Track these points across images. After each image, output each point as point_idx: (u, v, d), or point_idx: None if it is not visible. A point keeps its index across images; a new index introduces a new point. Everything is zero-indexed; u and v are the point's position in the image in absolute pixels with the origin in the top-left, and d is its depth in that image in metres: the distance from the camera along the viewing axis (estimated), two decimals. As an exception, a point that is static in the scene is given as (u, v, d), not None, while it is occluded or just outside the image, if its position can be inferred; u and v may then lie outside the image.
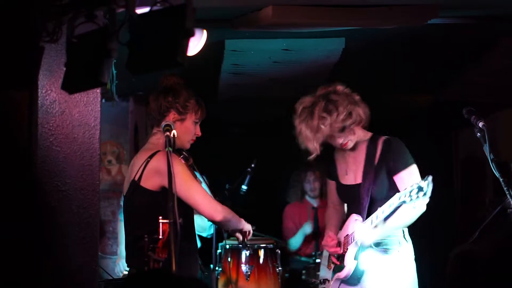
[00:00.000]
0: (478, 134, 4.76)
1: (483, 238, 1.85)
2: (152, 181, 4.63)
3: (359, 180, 4.84)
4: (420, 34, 6.37)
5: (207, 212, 4.67)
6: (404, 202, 4.38)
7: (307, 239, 8.37)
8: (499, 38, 6.68)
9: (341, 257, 4.90)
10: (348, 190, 4.94)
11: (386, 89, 8.34)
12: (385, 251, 4.76)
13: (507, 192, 4.70)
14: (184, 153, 5.01)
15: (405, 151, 4.80)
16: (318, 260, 7.66)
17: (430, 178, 4.32)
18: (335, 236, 4.93)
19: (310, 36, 6.39)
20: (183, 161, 4.96)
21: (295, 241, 8.37)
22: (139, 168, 4.68)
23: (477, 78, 7.81)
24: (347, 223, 4.87)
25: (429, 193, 4.28)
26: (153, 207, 4.59)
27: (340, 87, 4.85)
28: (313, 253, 7.92)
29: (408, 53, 7.09)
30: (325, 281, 5.03)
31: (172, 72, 4.92)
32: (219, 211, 4.70)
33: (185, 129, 4.81)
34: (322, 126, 4.73)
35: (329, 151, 5.07)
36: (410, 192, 4.33)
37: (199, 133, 4.93)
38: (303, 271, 7.94)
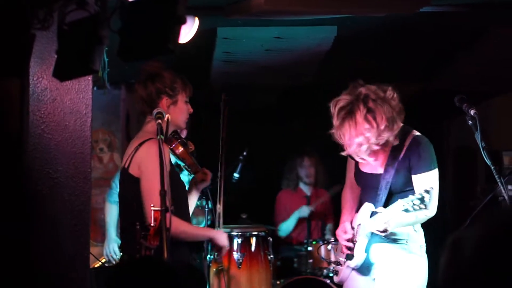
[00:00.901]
0: (470, 122, 4.76)
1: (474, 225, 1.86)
2: (137, 169, 4.66)
3: (380, 170, 4.79)
4: (412, 22, 6.37)
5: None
6: (406, 210, 4.38)
7: (299, 225, 8.38)
8: (491, 26, 6.69)
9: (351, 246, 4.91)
10: (366, 177, 4.89)
11: (377, 77, 8.32)
12: (395, 241, 4.76)
13: (498, 180, 4.71)
14: (183, 139, 5.04)
15: (431, 153, 4.74)
16: (310, 248, 7.68)
17: (432, 191, 4.33)
18: (350, 229, 4.90)
19: (302, 24, 6.38)
20: (181, 147, 4.98)
21: (287, 226, 8.37)
22: (129, 156, 4.72)
23: (469, 67, 7.82)
24: (360, 211, 4.83)
25: (429, 206, 4.30)
26: (138, 195, 4.62)
27: (378, 90, 4.70)
28: (305, 241, 7.93)
29: (399, 42, 7.09)
30: (338, 263, 5.03)
31: (158, 59, 4.96)
32: (184, 230, 4.72)
33: (179, 110, 4.87)
34: (361, 140, 4.58)
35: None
36: (413, 201, 4.34)
37: (191, 110, 4.99)
38: (295, 259, 7.95)
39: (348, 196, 5.12)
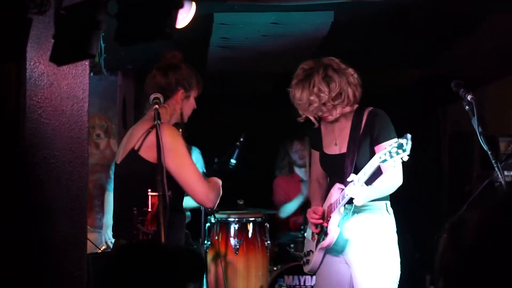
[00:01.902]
0: (467, 107, 4.75)
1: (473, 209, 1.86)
2: (152, 153, 4.57)
3: (343, 150, 4.85)
4: (410, 8, 6.36)
5: (199, 198, 4.67)
6: (385, 160, 4.38)
7: (296, 211, 8.39)
8: (489, 12, 6.68)
9: (321, 226, 4.91)
10: (332, 159, 4.95)
11: (374, 63, 8.33)
12: (367, 222, 4.77)
13: (495, 165, 4.70)
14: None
15: (389, 124, 4.83)
16: (306, 234, 7.69)
17: (409, 135, 4.34)
18: (320, 208, 4.93)
19: (299, 9, 6.37)
20: (183, 135, 5.00)
21: (289, 208, 8.37)
22: (140, 138, 4.65)
23: (467, 53, 7.81)
24: (330, 192, 4.87)
25: (408, 150, 4.29)
26: (149, 179, 4.56)
27: (340, 63, 4.87)
28: (302, 227, 7.94)
29: (397, 27, 7.08)
30: (309, 252, 5.04)
31: (173, 49, 4.98)
32: (211, 200, 4.73)
33: (189, 105, 4.90)
34: (313, 98, 4.75)
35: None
36: (390, 150, 4.35)
37: (195, 106, 5.00)
38: (291, 245, 7.97)
39: (316, 188, 5.17)
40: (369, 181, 4.60)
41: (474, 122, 4.70)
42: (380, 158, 4.41)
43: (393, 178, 4.73)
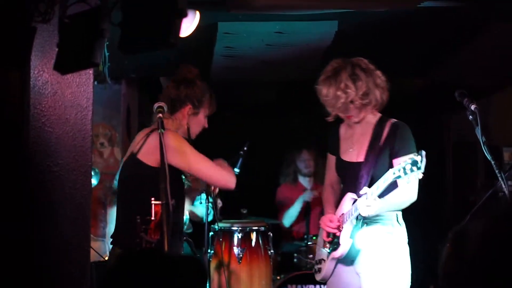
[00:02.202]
0: (470, 117, 4.75)
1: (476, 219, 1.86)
2: (153, 156, 4.63)
3: (361, 158, 4.83)
4: (413, 17, 6.36)
5: (221, 184, 4.90)
6: (399, 177, 4.39)
7: (299, 220, 8.38)
8: (492, 20, 6.68)
9: (332, 235, 4.90)
10: (348, 167, 4.92)
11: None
12: (378, 233, 4.76)
13: (498, 175, 4.70)
14: None
15: (410, 138, 4.81)
16: (310, 243, 7.68)
17: (423, 153, 4.33)
18: (333, 216, 4.92)
19: (303, 19, 6.38)
20: None
21: (291, 213, 8.36)
22: (138, 142, 4.73)
23: (470, 61, 7.81)
24: (342, 201, 4.86)
25: (423, 168, 4.29)
26: (149, 183, 4.61)
27: (369, 64, 4.91)
28: (305, 236, 7.93)
29: (400, 36, 7.08)
30: (321, 261, 5.03)
31: (190, 64, 5.04)
32: (231, 181, 4.93)
33: (197, 122, 4.93)
34: (340, 93, 4.76)
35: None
36: (404, 167, 4.34)
37: (206, 125, 5.04)
38: (295, 254, 7.96)
39: (329, 194, 5.15)
40: (382, 194, 4.60)
41: (478, 131, 4.70)
42: (394, 174, 4.41)
43: (407, 194, 4.72)
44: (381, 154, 4.77)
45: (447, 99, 5.32)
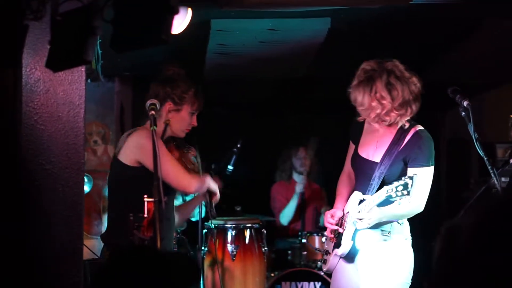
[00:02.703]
0: (463, 113, 4.76)
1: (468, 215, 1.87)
2: (130, 156, 4.75)
3: (377, 158, 4.78)
4: (407, 14, 6.36)
5: (182, 185, 4.75)
6: (390, 196, 4.38)
7: (294, 217, 8.39)
8: (486, 18, 6.68)
9: (337, 233, 4.92)
10: (362, 163, 4.87)
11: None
12: (378, 232, 4.76)
13: (491, 172, 4.72)
14: (182, 144, 5.08)
15: (431, 150, 4.74)
16: (304, 241, 7.69)
17: (415, 177, 4.32)
18: (338, 213, 4.92)
19: (296, 16, 6.37)
20: (175, 152, 5.01)
21: (288, 212, 8.37)
22: (121, 143, 4.80)
23: (464, 59, 7.82)
24: (350, 199, 4.86)
25: (412, 193, 4.29)
26: (128, 183, 4.71)
27: (404, 71, 4.78)
28: (299, 233, 7.94)
29: (394, 34, 7.08)
30: (327, 252, 5.04)
31: (173, 62, 5.08)
32: (193, 184, 4.81)
33: (180, 119, 4.92)
34: (376, 104, 4.66)
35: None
36: (397, 187, 4.34)
37: (195, 123, 5.06)
38: (289, 252, 7.97)
39: (344, 184, 5.10)
40: (384, 203, 4.57)
41: (470, 128, 4.71)
42: (387, 192, 4.40)
43: (412, 207, 4.65)
44: (397, 159, 4.71)
45: (441, 97, 5.32)
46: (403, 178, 4.34)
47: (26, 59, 4.42)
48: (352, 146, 5.05)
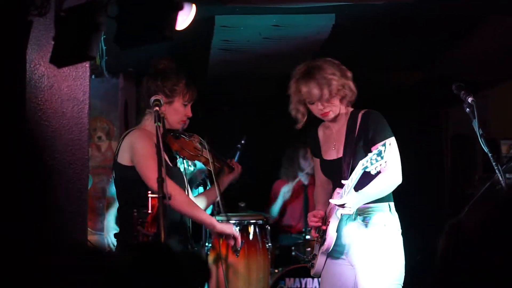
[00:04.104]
0: (467, 109, 4.76)
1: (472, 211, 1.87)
2: (125, 157, 4.77)
3: (340, 154, 4.86)
4: (411, 10, 6.35)
5: (175, 203, 4.69)
6: (366, 167, 4.42)
7: (298, 214, 8.38)
8: (489, 14, 6.67)
9: (321, 231, 4.93)
10: (330, 165, 4.96)
11: (375, 65, 8.32)
12: (371, 224, 4.78)
13: (496, 168, 4.71)
14: (179, 133, 5.07)
15: (384, 123, 4.83)
16: (308, 237, 7.69)
17: (388, 141, 4.43)
18: (320, 212, 4.95)
19: (300, 12, 6.36)
20: (174, 142, 5.01)
21: (273, 208, 8.38)
22: (118, 145, 4.83)
23: (468, 54, 7.81)
24: (332, 197, 4.89)
25: (386, 157, 4.33)
26: (131, 182, 4.72)
27: (334, 60, 4.93)
28: (303, 230, 7.94)
29: (398, 30, 7.07)
30: (314, 256, 5.05)
31: (165, 56, 5.08)
32: (186, 205, 4.84)
33: (174, 111, 4.90)
34: (324, 82, 4.79)
35: (320, 123, 5.08)
36: (371, 157, 4.38)
37: (190, 114, 5.05)
38: (293, 248, 7.96)
39: (320, 193, 5.17)
40: (360, 185, 4.63)
41: (475, 124, 4.71)
42: (363, 165, 4.46)
43: (387, 179, 4.73)
44: (358, 145, 4.79)
45: (445, 92, 5.32)
46: (376, 149, 4.39)
47: (30, 55, 4.43)
48: (316, 160, 5.16)
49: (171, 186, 4.51)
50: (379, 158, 4.35)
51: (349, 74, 4.90)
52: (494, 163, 4.71)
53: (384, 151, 4.34)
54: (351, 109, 4.96)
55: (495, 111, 8.87)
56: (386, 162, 4.38)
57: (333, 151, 4.96)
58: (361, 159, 4.63)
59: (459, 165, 10.10)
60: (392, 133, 4.79)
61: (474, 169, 9.18)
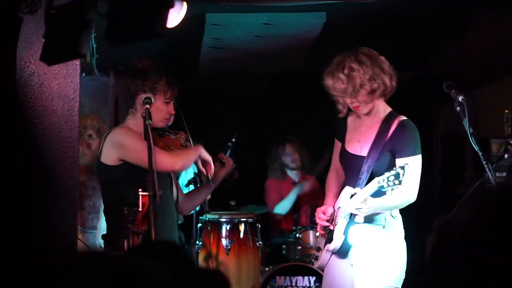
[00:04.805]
0: (458, 108, 4.76)
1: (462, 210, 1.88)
2: (110, 156, 4.75)
3: (364, 152, 4.81)
4: (402, 8, 6.36)
5: (166, 167, 4.72)
6: (382, 187, 4.41)
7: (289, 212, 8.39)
8: (482, 12, 6.68)
9: (328, 229, 4.92)
10: (350, 158, 4.91)
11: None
12: (370, 226, 4.77)
13: (486, 166, 4.72)
14: (164, 131, 5.06)
15: (416, 139, 4.78)
16: (298, 235, 7.69)
17: (406, 166, 4.35)
18: (330, 210, 4.95)
19: (291, 10, 6.36)
20: (159, 140, 5.00)
21: (284, 205, 8.36)
22: (101, 145, 4.81)
23: (459, 54, 7.81)
24: (341, 194, 4.87)
25: (403, 183, 4.31)
26: (117, 182, 4.72)
27: (372, 50, 4.90)
28: (294, 228, 7.94)
29: (389, 28, 7.07)
30: (318, 249, 5.05)
31: (145, 55, 5.06)
32: (175, 161, 4.82)
33: (156, 109, 4.86)
34: (344, 77, 4.74)
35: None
36: (388, 177, 4.36)
37: (172, 111, 5.03)
38: (284, 246, 7.97)
39: (333, 180, 5.14)
40: (377, 194, 4.60)
41: (465, 123, 4.71)
42: (379, 183, 4.43)
43: (405, 196, 4.68)
44: (384, 151, 4.74)
45: (436, 91, 5.32)
46: (394, 168, 4.37)
47: (20, 52, 4.42)
48: (338, 144, 5.10)
49: (177, 160, 4.68)
50: (396, 182, 4.34)
51: (385, 66, 4.86)
52: (484, 162, 4.72)
53: (403, 174, 4.30)
54: (389, 110, 4.90)
55: (486, 110, 8.88)
56: (403, 188, 4.37)
57: (358, 145, 4.89)
58: (383, 166, 4.62)
59: (450, 163, 10.12)
60: (420, 150, 4.76)
61: (465, 167, 9.19)
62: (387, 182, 4.36)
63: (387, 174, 4.38)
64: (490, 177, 4.75)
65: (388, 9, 6.34)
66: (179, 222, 6.60)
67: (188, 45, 7.42)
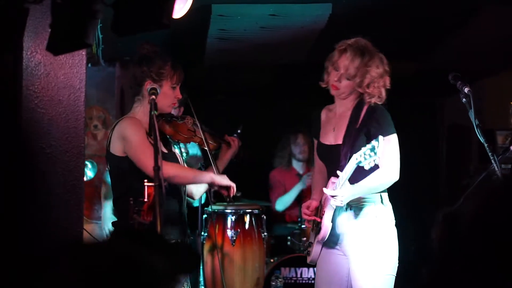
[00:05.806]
0: (464, 99, 4.76)
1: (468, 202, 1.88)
2: (117, 147, 4.77)
3: (339, 141, 4.87)
4: (407, 0, 6.35)
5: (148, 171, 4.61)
6: (360, 162, 4.42)
7: (293, 203, 8.39)
8: (486, 4, 6.67)
9: (316, 222, 4.94)
10: (328, 150, 4.96)
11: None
12: (362, 215, 4.79)
13: (492, 158, 4.72)
14: (169, 116, 5.06)
15: (388, 119, 4.85)
16: (303, 226, 7.70)
17: (380, 137, 4.38)
18: (313, 203, 4.97)
19: (297, 1, 6.37)
20: (166, 126, 5.00)
21: (285, 200, 8.37)
22: (109, 135, 4.82)
23: (464, 45, 7.81)
24: (327, 186, 4.89)
25: (379, 153, 4.32)
26: (125, 172, 4.72)
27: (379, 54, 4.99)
28: (299, 219, 7.94)
29: (394, 20, 7.07)
30: (310, 244, 5.07)
31: (148, 40, 5.03)
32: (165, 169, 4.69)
33: (163, 95, 4.86)
34: (371, 68, 4.83)
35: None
36: (364, 152, 4.39)
37: (179, 96, 5.01)
38: (289, 237, 7.98)
39: (317, 178, 5.18)
40: (356, 179, 4.64)
41: (471, 114, 4.71)
42: (356, 159, 4.46)
43: (385, 176, 4.75)
44: (358, 137, 4.79)
45: (441, 83, 5.32)
46: (369, 143, 4.39)
47: (26, 42, 4.42)
48: (315, 142, 5.17)
49: (168, 168, 4.51)
50: (372, 154, 4.35)
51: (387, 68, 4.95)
52: (490, 154, 4.72)
53: (378, 146, 4.33)
54: (358, 99, 4.94)
55: (491, 102, 8.87)
56: (380, 158, 4.38)
57: (331, 134, 4.95)
58: (359, 150, 4.64)
59: (455, 155, 10.12)
60: (394, 130, 4.80)
61: (470, 159, 9.20)
62: (363, 157, 4.39)
63: (363, 149, 4.41)
64: (496, 169, 4.74)
65: (393, 1, 6.34)
66: (195, 205, 6.63)
67: (194, 36, 7.42)
